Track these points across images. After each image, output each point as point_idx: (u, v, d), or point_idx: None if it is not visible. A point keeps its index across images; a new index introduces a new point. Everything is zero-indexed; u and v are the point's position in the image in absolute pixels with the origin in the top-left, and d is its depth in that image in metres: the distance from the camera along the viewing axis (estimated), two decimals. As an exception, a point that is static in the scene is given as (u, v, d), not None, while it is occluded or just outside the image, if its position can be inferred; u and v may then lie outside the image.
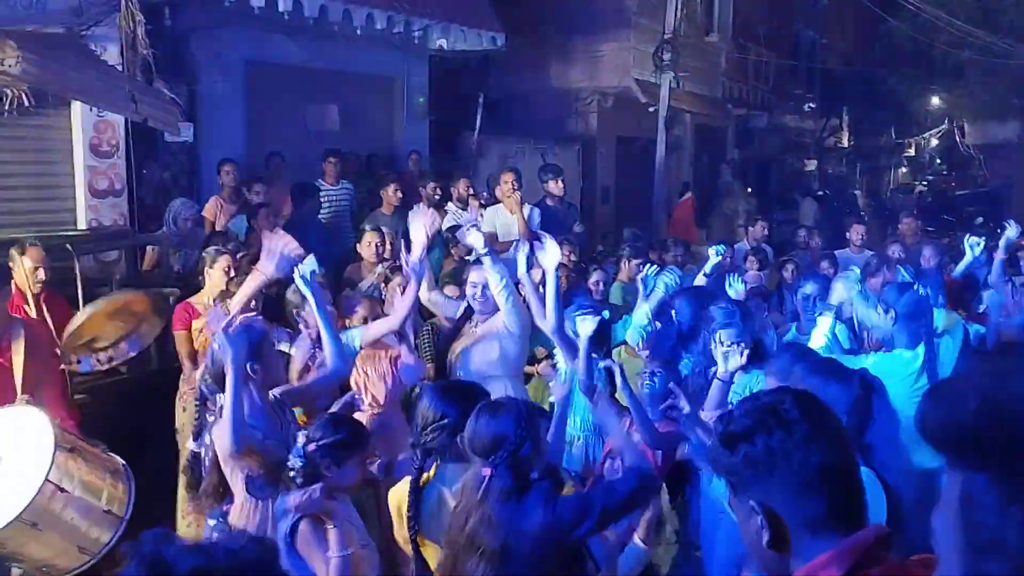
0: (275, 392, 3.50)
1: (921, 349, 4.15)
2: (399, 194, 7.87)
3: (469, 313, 4.92)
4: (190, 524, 4.46)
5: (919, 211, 18.09)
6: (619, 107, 15.05)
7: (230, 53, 9.05)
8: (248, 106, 9.37)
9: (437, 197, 7.79)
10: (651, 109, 14.09)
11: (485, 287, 4.69)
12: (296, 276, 3.92)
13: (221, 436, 3.22)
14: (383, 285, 5.63)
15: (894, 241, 8.01)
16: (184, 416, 4.94)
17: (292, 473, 3.00)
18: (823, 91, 24.63)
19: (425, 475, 2.97)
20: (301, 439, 3.05)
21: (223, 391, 3.30)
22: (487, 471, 2.57)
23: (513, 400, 2.88)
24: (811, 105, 24.15)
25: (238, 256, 5.51)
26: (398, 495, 3.05)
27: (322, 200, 8.26)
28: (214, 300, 4.68)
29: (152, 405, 5.16)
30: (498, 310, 4.68)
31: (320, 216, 8.27)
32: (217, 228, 7.34)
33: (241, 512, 3.31)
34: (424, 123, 11.43)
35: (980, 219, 19.17)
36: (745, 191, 17.93)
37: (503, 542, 2.52)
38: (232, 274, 5.14)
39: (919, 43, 18.63)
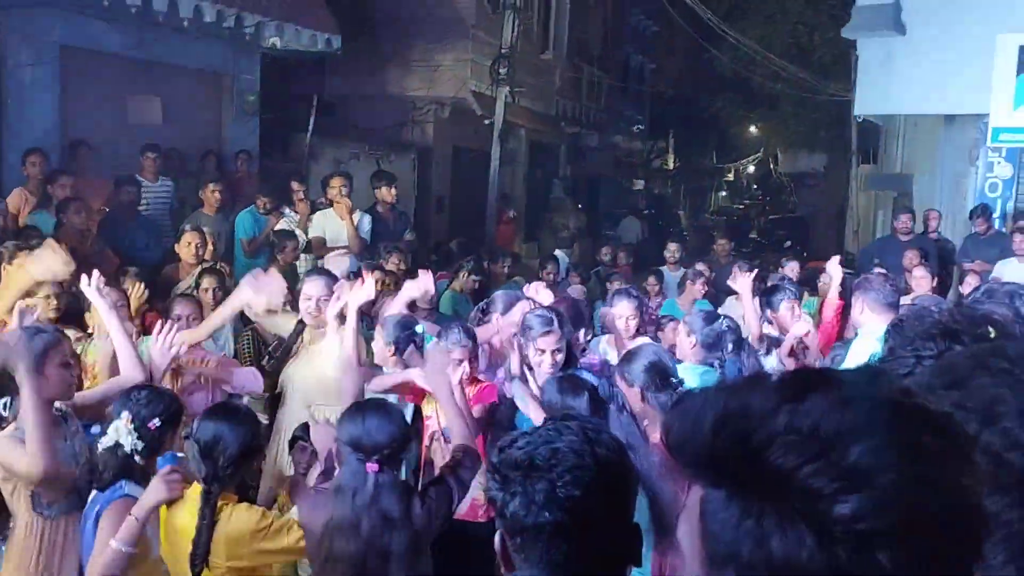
0: (60, 404, 3.24)
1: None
2: (217, 195, 7.60)
3: (300, 329, 4.70)
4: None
5: (736, 233, 19.25)
6: (455, 118, 15.17)
7: (42, 35, 8.46)
8: (61, 93, 8.79)
9: (268, 207, 7.58)
10: (487, 122, 14.29)
11: (320, 300, 4.40)
12: (83, 287, 3.67)
13: (18, 455, 2.94)
14: (196, 288, 5.41)
15: (702, 260, 8.48)
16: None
17: (136, 456, 2.91)
18: (651, 114, 25.74)
19: (222, 506, 2.85)
20: (125, 421, 2.91)
21: None
22: (373, 467, 2.57)
23: (394, 404, 2.93)
24: (640, 127, 25.16)
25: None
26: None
27: (142, 197, 7.88)
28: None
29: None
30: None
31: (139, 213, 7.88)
32: (21, 223, 6.84)
33: (26, 533, 3.06)
34: (254, 122, 11.09)
35: (788, 243, 20.55)
36: (575, 207, 18.46)
37: (408, 539, 2.55)
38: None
39: (739, 74, 19.77)
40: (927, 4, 9.85)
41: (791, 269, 8.33)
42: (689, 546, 0.86)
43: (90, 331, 4.38)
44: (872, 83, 10.61)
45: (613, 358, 4.78)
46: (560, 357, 4.03)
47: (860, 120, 15.61)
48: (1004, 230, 9.27)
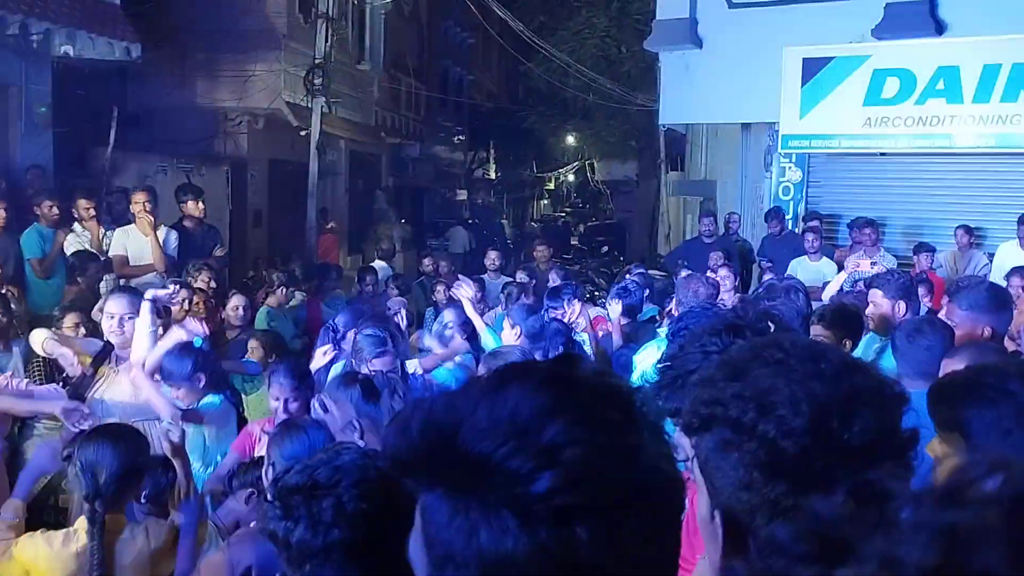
0: None
1: None
2: (1, 212, 7.03)
3: (108, 351, 4.43)
4: None
5: (558, 240, 19.75)
6: (271, 129, 14.76)
7: None
8: None
9: (55, 217, 7.08)
10: (303, 133, 13.99)
11: (124, 318, 4.25)
12: None
13: None
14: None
15: (523, 268, 8.64)
16: None
17: None
18: (471, 125, 26.03)
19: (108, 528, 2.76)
20: None
21: None
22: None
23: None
24: (460, 137, 25.38)
25: None
26: (46, 552, 2.77)
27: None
28: None
29: None
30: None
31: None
32: None
33: None
34: (47, 135, 10.34)
35: (606, 248, 21.30)
36: (399, 218, 18.39)
37: None
38: None
39: (553, 86, 20.30)
40: (719, 19, 10.46)
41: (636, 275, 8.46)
42: (415, 560, 0.85)
43: None
44: (674, 94, 11.15)
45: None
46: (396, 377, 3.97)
47: (665, 129, 16.39)
48: (796, 230, 9.97)
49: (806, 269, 8.15)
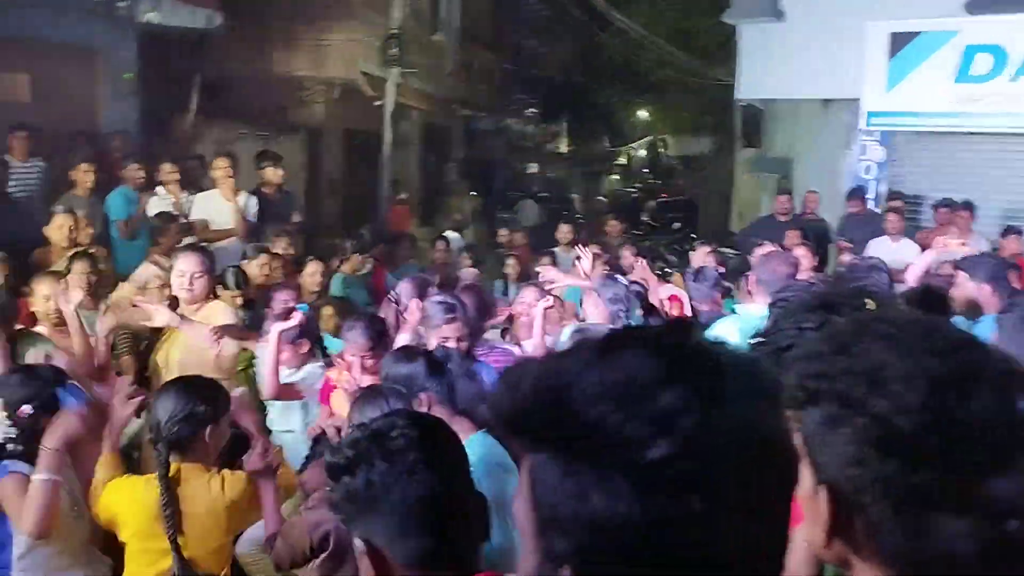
0: None
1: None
2: (91, 175, 7.24)
3: (175, 307, 4.58)
4: None
5: (629, 215, 19.58)
6: (347, 99, 14.87)
7: None
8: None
9: (140, 180, 7.26)
10: (378, 103, 14.08)
11: (194, 276, 4.39)
12: None
13: None
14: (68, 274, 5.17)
15: (595, 242, 8.59)
16: None
17: (9, 447, 2.87)
18: (544, 98, 25.86)
19: (174, 469, 2.86)
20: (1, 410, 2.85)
21: None
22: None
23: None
24: (532, 110, 25.26)
25: None
26: (128, 497, 2.88)
27: (10, 178, 7.45)
28: None
29: None
30: (207, 300, 4.47)
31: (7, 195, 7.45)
32: None
33: None
34: (132, 101, 10.62)
35: (678, 224, 21.00)
36: (469, 190, 18.41)
37: None
38: None
39: (628, 59, 20.00)
40: (803, -9, 10.18)
41: (702, 254, 7.75)
42: (521, 523, 0.85)
43: None
44: (752, 68, 10.90)
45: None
46: (464, 346, 3.97)
47: (743, 105, 16.03)
48: (877, 210, 9.69)
49: (887, 250, 7.91)
